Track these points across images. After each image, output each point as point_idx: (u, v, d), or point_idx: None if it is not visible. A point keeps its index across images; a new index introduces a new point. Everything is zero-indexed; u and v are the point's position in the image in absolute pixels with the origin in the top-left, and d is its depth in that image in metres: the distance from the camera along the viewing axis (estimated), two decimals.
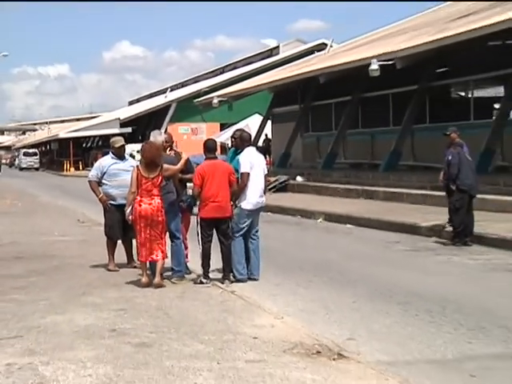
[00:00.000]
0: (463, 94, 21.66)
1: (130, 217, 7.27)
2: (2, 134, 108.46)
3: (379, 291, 7.26)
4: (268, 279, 7.86)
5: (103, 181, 8.35)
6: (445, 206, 10.98)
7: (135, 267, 8.14)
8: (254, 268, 7.85)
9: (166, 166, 7.35)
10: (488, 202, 12.70)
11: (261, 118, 30.77)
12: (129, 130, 44.53)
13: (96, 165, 8.69)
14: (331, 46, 30.26)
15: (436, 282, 7.80)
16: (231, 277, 7.66)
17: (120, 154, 8.47)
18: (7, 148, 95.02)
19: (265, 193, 8.13)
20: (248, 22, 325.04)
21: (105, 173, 8.32)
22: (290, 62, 34.24)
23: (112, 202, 8.29)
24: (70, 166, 52.17)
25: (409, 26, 23.97)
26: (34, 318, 5.84)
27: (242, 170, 7.72)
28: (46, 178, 43.87)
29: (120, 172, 8.24)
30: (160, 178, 7.25)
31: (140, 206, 7.19)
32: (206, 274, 7.49)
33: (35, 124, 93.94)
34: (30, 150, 65.81)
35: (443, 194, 11.10)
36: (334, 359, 4.67)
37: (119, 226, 8.19)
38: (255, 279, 7.80)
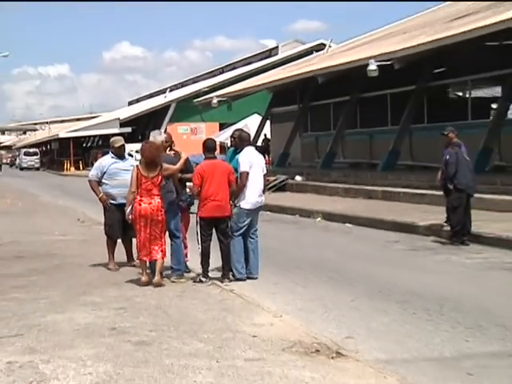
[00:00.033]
0: (461, 94, 21.73)
1: (130, 216, 7.30)
2: (3, 133, 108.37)
3: (377, 290, 7.29)
4: (267, 278, 7.88)
5: (103, 180, 8.38)
6: (443, 205, 11.01)
7: (135, 266, 8.16)
8: (253, 267, 7.87)
9: (165, 165, 7.38)
10: (485, 202, 12.74)
11: (260, 117, 30.79)
12: (128, 129, 44.56)
13: (96, 164, 8.72)
14: (330, 47, 30.30)
15: (434, 281, 7.83)
16: (230, 276, 7.69)
17: (120, 154, 8.50)
18: (8, 148, 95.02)
19: (264, 192, 8.15)
20: (247, 22, 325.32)
21: (105, 172, 8.34)
22: (288, 62, 34.28)
23: (112, 202, 8.32)
24: (70, 166, 52.26)
25: (407, 26, 24.00)
26: (34, 317, 5.86)
27: (241, 169, 7.75)
28: (47, 178, 43.87)
29: (120, 171, 8.27)
30: (160, 177, 7.28)
31: (140, 205, 7.22)
32: (205, 273, 7.53)
33: (36, 124, 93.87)
34: (31, 150, 65.92)
35: (441, 193, 11.14)
36: (332, 358, 4.69)
37: (119, 225, 8.22)
38: (254, 278, 7.82)
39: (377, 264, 9.05)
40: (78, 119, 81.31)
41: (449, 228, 10.64)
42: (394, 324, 5.92)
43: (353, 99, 22.82)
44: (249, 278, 7.80)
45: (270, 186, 18.89)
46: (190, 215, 8.24)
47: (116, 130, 42.34)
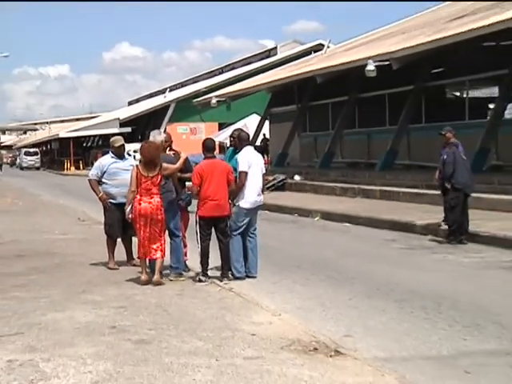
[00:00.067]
0: (458, 94, 21.78)
1: (130, 215, 7.33)
2: (4, 133, 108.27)
3: (375, 288, 7.32)
4: (266, 277, 7.91)
5: (103, 180, 8.41)
6: (440, 204, 11.06)
7: (135, 265, 8.19)
8: (252, 266, 7.90)
9: (165, 165, 7.41)
10: (483, 201, 12.78)
11: (259, 117, 30.82)
12: (128, 129, 44.56)
13: (96, 164, 8.75)
14: (328, 47, 30.34)
15: (431, 280, 7.86)
16: (229, 275, 7.71)
17: (120, 154, 8.53)
18: (8, 147, 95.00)
19: (263, 192, 8.17)
20: (246, 23, 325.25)
21: (105, 172, 8.38)
22: (287, 62, 34.31)
23: (112, 201, 8.35)
24: (70, 165, 52.33)
25: (406, 26, 24.03)
26: (34, 315, 5.88)
27: (240, 169, 7.78)
28: (47, 177, 43.86)
29: (120, 171, 8.30)
30: (159, 176, 7.31)
31: (140, 204, 7.25)
32: (204, 272, 7.55)
33: (36, 124, 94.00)
34: (31, 150, 66.06)
35: (439, 192, 11.18)
36: (330, 356, 4.71)
37: (119, 224, 8.25)
38: (253, 277, 7.85)
39: (375, 263, 9.08)
40: (78, 119, 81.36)
41: (446, 227, 10.69)
42: (391, 322, 5.95)
43: (351, 99, 22.86)
44: (248, 276, 7.83)
45: (268, 185, 18.91)
46: (190, 214, 8.28)
47: (116, 130, 42.35)
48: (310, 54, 34.66)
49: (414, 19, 25.76)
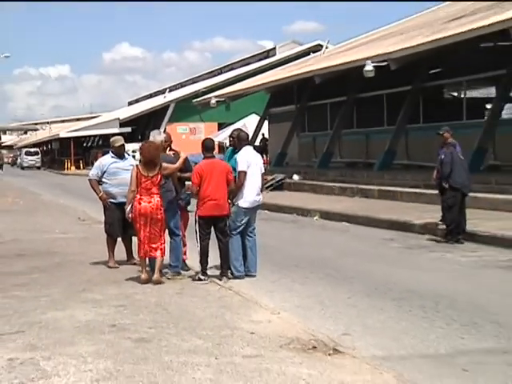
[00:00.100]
0: (456, 94, 21.82)
1: (130, 215, 7.36)
2: (5, 133, 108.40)
3: (374, 287, 7.35)
4: (265, 276, 7.93)
5: (103, 179, 8.44)
6: (438, 204, 11.08)
7: (135, 264, 8.22)
8: (251, 265, 7.93)
9: (164, 164, 7.44)
10: (480, 201, 12.82)
11: (258, 117, 30.83)
12: (128, 129, 44.60)
13: (96, 164, 8.79)
14: (327, 48, 30.37)
15: (429, 279, 7.88)
16: (229, 273, 7.73)
17: (120, 153, 8.56)
18: (9, 147, 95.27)
19: (262, 191, 8.19)
20: (245, 23, 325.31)
21: (105, 171, 8.41)
22: (286, 63, 34.35)
23: (112, 201, 8.38)
24: (70, 165, 52.44)
25: (404, 27, 24.07)
26: (35, 314, 5.91)
27: (239, 168, 7.80)
28: (48, 177, 43.88)
29: (120, 171, 8.34)
30: (159, 176, 7.34)
31: (140, 204, 7.28)
32: (204, 271, 7.57)
33: (37, 124, 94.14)
34: (32, 150, 66.31)
35: (436, 192, 11.22)
36: (329, 354, 4.73)
37: (119, 223, 8.28)
38: (252, 276, 7.88)
39: (373, 262, 9.11)
40: (79, 119, 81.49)
41: (444, 226, 10.73)
42: (390, 321, 5.97)
43: (349, 99, 22.89)
44: (247, 275, 7.85)
45: (267, 185, 18.95)
46: (189, 214, 8.31)
47: (116, 130, 42.40)
48: (309, 54, 34.68)
49: (413, 20, 25.80)
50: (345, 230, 12.82)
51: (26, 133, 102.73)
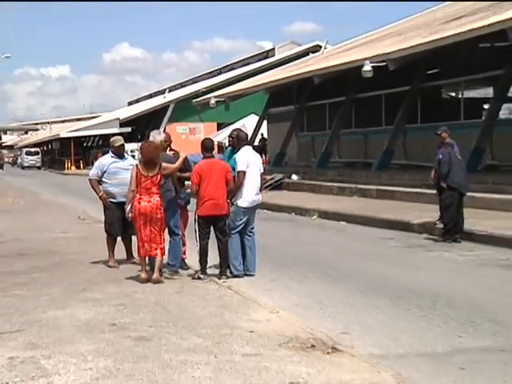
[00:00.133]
0: (454, 94, 21.90)
1: (130, 214, 7.38)
2: (5, 133, 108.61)
3: (372, 286, 7.38)
4: (264, 275, 7.96)
5: (103, 179, 8.46)
6: (436, 203, 11.12)
7: (134, 263, 8.24)
8: (250, 264, 7.96)
9: (164, 164, 7.47)
10: (477, 200, 12.86)
11: (257, 117, 30.85)
12: (128, 129, 44.61)
13: (96, 164, 8.81)
14: (325, 48, 30.39)
15: (427, 278, 7.92)
16: (228, 272, 7.76)
17: (120, 153, 8.59)
18: (10, 147, 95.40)
19: (261, 191, 8.22)
20: (244, 24, 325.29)
21: (105, 171, 8.43)
22: (285, 63, 34.36)
23: (112, 200, 8.40)
24: (71, 165, 52.55)
25: (403, 27, 24.10)
26: (36, 313, 5.93)
27: (239, 168, 7.83)
28: (48, 177, 43.91)
29: (120, 170, 8.36)
30: (159, 176, 7.37)
31: (139, 203, 7.31)
32: (203, 270, 7.61)
33: (37, 124, 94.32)
34: (32, 149, 66.53)
35: (434, 191, 11.27)
36: (328, 353, 4.74)
37: (119, 223, 8.30)
38: (251, 275, 7.90)
39: (371, 261, 9.14)
40: (79, 119, 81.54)
41: (442, 226, 10.77)
42: (388, 320, 6.00)
43: (348, 100, 22.93)
44: (246, 274, 7.87)
45: (266, 184, 18.98)
46: (189, 213, 8.34)
47: (116, 130, 42.42)
48: (308, 55, 34.68)
49: (412, 20, 25.84)
50: (343, 229, 12.85)
51: (26, 133, 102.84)
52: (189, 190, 7.99)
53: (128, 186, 7.47)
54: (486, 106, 19.50)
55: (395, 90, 20.54)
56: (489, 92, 19.81)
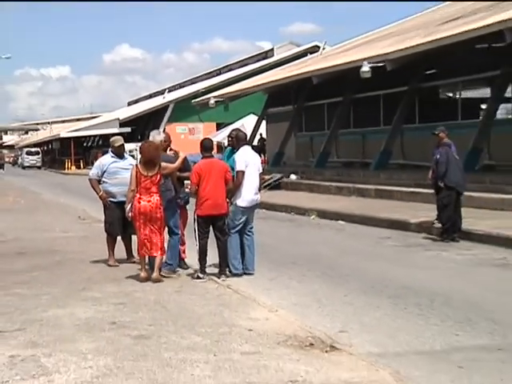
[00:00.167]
0: (451, 94, 21.89)
1: (130, 214, 7.41)
2: (6, 133, 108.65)
3: (370, 285, 7.41)
4: (263, 274, 7.99)
5: (103, 179, 8.49)
6: (433, 203, 11.14)
7: (134, 262, 8.27)
8: (249, 263, 7.99)
9: (164, 164, 7.50)
10: (475, 200, 12.89)
11: (256, 118, 30.87)
12: (128, 129, 44.60)
13: (96, 163, 8.85)
14: (324, 49, 30.41)
15: (425, 277, 7.94)
16: (227, 272, 7.79)
17: (119, 153, 8.61)
18: (10, 147, 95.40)
19: (259, 190, 8.27)
20: (243, 24, 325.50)
21: (105, 171, 8.46)
22: (284, 64, 34.33)
23: (112, 200, 8.43)
24: (71, 165, 52.57)
25: (400, 28, 24.13)
26: (36, 312, 5.95)
27: (238, 168, 7.87)
28: (48, 177, 43.88)
29: (119, 170, 8.39)
30: (158, 175, 7.39)
31: (139, 203, 7.33)
32: (202, 269, 7.63)
33: (37, 124, 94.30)
34: (33, 149, 66.61)
35: (432, 191, 11.29)
36: (326, 351, 4.76)
37: (119, 222, 8.32)
38: (250, 274, 7.94)
39: (370, 260, 9.17)
40: (79, 119, 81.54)
41: (439, 225, 10.81)
42: (386, 318, 6.02)
43: (346, 100, 22.95)
44: (245, 273, 7.91)
45: (265, 184, 18.99)
46: (188, 212, 8.37)
47: (116, 130, 42.44)
48: (306, 55, 34.71)
49: (411, 20, 25.84)
50: (341, 228, 12.88)
51: (26, 133, 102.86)
52: (188, 190, 8.03)
53: (128, 186, 7.50)
54: (483, 107, 19.52)
55: (393, 91, 20.56)
56: (486, 92, 19.82)
